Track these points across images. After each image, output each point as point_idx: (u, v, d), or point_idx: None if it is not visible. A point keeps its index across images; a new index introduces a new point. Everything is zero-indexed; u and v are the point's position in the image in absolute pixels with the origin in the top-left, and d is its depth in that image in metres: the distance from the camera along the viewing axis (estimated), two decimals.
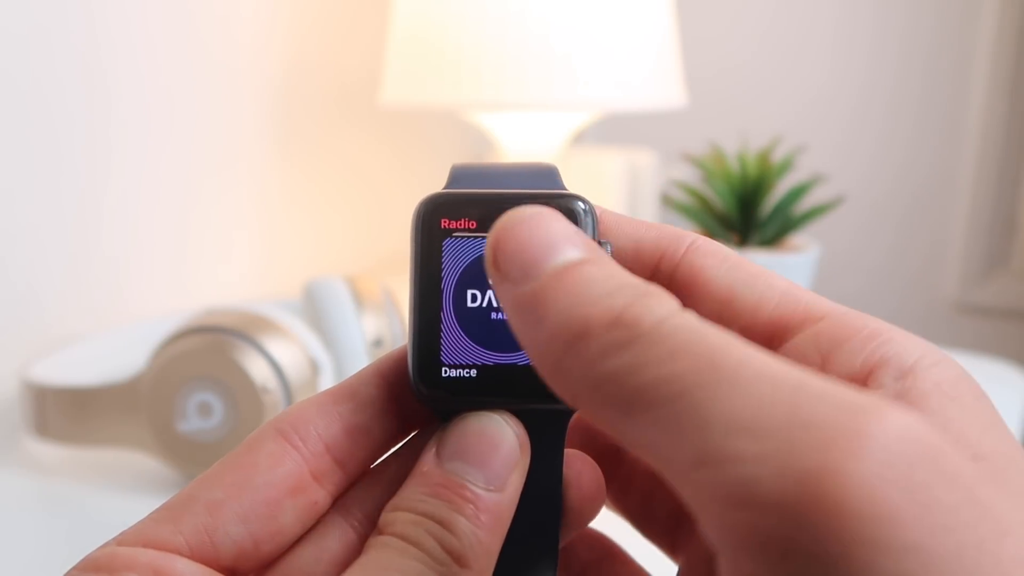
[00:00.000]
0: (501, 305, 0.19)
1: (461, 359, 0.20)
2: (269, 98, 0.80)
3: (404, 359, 0.21)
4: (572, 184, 0.21)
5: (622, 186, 0.95)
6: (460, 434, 0.20)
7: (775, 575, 0.13)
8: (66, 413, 0.51)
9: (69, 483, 0.53)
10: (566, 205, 0.20)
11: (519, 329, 0.17)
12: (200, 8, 0.72)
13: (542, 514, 0.21)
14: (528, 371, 0.20)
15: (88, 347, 0.59)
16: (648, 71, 0.71)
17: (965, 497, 0.13)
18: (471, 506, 0.19)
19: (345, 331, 0.55)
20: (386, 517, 0.19)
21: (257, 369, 0.48)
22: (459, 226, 0.20)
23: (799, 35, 1.23)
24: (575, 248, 0.16)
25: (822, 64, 1.22)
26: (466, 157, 1.04)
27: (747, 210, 0.75)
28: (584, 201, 0.20)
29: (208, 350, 0.48)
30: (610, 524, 0.24)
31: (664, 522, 0.23)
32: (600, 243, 0.20)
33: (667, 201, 0.79)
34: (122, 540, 0.18)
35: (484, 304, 0.20)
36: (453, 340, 0.20)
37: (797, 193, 0.75)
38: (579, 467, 0.21)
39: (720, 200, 0.75)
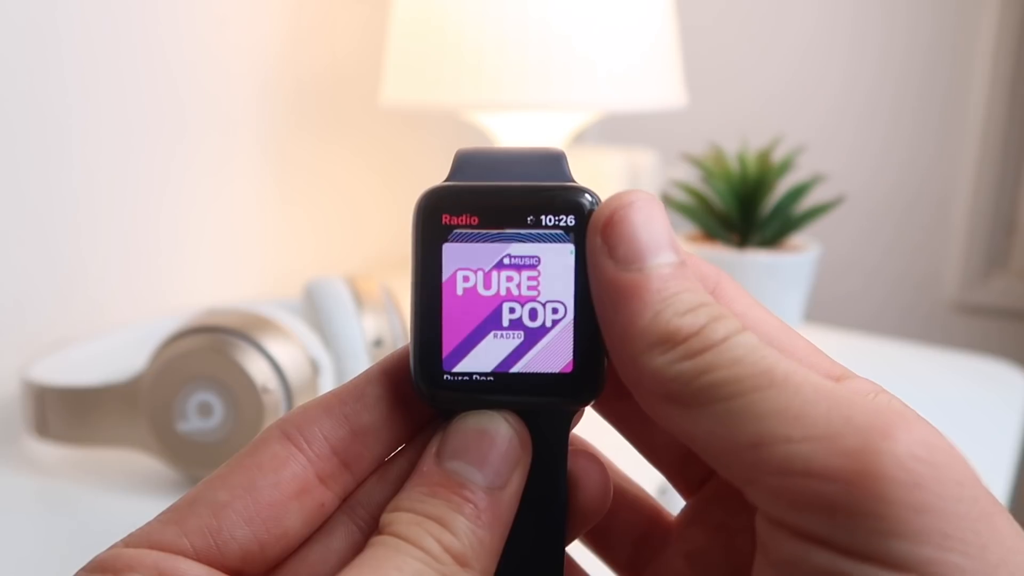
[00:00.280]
0: (590, 271, 0.19)
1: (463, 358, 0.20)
2: (268, 98, 0.80)
3: (407, 358, 0.20)
4: None
5: (622, 186, 0.95)
6: (459, 433, 0.19)
7: (821, 527, 0.16)
8: (66, 413, 0.51)
9: (69, 483, 0.53)
10: (573, 198, 0.20)
11: (609, 307, 0.19)
12: (200, 9, 0.72)
13: (547, 513, 0.21)
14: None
15: (88, 347, 0.59)
16: (648, 71, 0.71)
17: (969, 476, 0.16)
18: (471, 505, 0.19)
19: (345, 331, 0.55)
20: (386, 517, 0.19)
21: (257, 369, 0.48)
22: (461, 222, 0.20)
23: (799, 35, 1.23)
24: (673, 252, 0.19)
25: (822, 64, 1.22)
26: None
27: (747, 210, 0.75)
28: (591, 194, 0.20)
29: (208, 350, 0.48)
30: None
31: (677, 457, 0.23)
32: None
33: (667, 201, 0.79)
34: (128, 542, 0.18)
35: None
36: (455, 338, 0.20)
37: (797, 193, 0.75)
38: (585, 465, 0.21)
39: (720, 200, 0.75)
